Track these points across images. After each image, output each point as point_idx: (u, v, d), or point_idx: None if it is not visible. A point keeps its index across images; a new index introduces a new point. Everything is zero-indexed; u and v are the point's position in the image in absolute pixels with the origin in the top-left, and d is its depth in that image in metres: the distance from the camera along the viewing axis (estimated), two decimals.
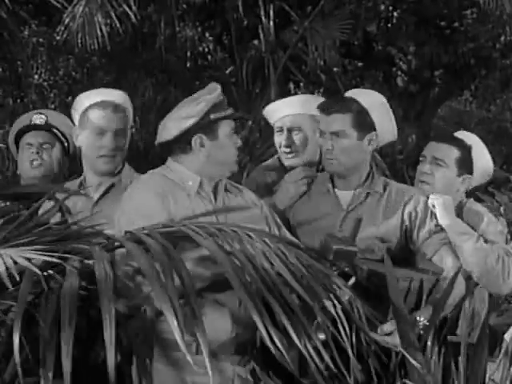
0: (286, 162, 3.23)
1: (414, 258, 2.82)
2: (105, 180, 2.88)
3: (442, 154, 2.95)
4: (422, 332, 2.51)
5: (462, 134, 3.08)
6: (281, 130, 3.21)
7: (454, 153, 2.95)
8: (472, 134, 3.11)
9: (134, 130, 3.08)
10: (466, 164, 2.96)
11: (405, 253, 2.78)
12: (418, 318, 2.55)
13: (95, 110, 2.85)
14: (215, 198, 2.56)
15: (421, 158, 3.01)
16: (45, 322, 1.68)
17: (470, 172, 2.98)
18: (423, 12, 7.78)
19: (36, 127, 3.16)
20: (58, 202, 2.47)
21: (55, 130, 3.17)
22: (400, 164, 6.54)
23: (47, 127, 3.16)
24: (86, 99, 2.96)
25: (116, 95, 3.01)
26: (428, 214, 2.76)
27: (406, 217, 2.75)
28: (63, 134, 3.18)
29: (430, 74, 8.41)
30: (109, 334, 1.68)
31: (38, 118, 3.17)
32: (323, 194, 2.84)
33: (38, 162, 3.11)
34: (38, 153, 3.12)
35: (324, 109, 2.81)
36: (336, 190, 2.84)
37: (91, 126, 2.84)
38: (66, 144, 3.18)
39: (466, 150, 2.97)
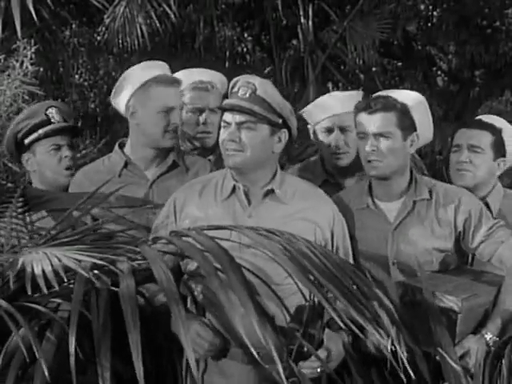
0: (338, 162, 3.16)
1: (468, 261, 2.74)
2: (159, 155, 2.88)
3: (477, 140, 2.93)
4: (492, 349, 2.36)
5: (489, 118, 3.05)
6: (330, 130, 3.13)
7: (488, 137, 2.94)
8: (498, 117, 3.07)
9: None
10: (499, 147, 2.95)
11: (460, 257, 2.70)
12: (486, 337, 2.38)
13: (160, 87, 2.80)
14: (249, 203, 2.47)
15: (455, 148, 2.98)
16: (97, 320, 1.66)
17: (504, 155, 2.97)
18: (464, 11, 7.68)
19: (64, 129, 2.97)
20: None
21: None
22: (439, 164, 6.47)
23: (71, 127, 3.00)
24: (141, 72, 2.84)
25: (168, 69, 2.92)
26: (483, 215, 2.64)
27: (459, 222, 2.63)
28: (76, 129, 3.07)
29: (471, 73, 8.31)
30: (184, 337, 1.67)
31: (54, 114, 2.98)
32: (363, 209, 2.69)
33: (72, 170, 2.96)
34: (72, 158, 2.99)
35: (366, 108, 2.62)
36: (377, 201, 2.71)
37: (157, 102, 2.79)
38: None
39: (497, 133, 2.95)
